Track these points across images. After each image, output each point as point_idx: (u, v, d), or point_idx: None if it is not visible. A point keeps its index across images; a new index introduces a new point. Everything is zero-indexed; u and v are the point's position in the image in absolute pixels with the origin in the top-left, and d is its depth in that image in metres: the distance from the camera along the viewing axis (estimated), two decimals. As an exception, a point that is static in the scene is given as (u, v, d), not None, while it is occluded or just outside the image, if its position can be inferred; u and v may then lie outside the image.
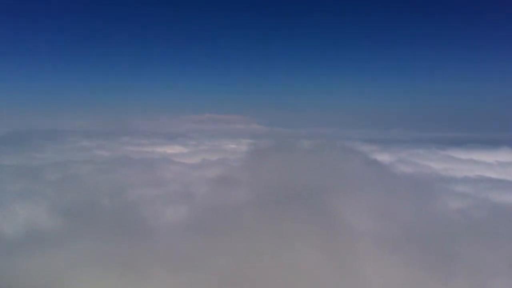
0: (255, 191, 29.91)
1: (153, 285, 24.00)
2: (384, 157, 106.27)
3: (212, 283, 24.00)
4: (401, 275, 23.29)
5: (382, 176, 35.34)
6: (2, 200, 41.56)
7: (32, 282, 24.81)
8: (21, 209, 38.36)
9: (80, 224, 31.30)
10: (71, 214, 33.84)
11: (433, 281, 23.30)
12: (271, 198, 28.06)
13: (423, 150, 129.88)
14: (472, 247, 26.73)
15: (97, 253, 26.60)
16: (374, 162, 41.33)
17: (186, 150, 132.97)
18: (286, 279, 23.07)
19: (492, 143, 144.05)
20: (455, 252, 25.39)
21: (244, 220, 26.69)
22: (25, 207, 39.10)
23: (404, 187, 34.26)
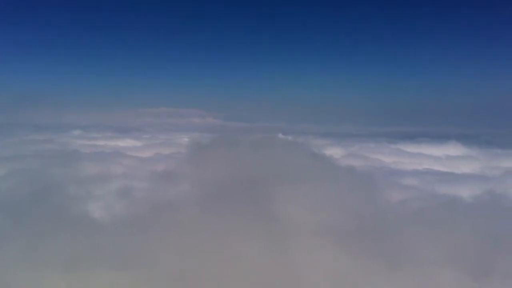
0: (200, 186, 29.78)
1: (95, 283, 23.58)
2: (335, 151, 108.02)
3: (156, 280, 23.80)
4: (342, 267, 23.70)
5: (328, 169, 35.76)
6: None
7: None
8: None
9: (21, 220, 30.40)
10: (12, 210, 32.85)
11: (373, 271, 23.81)
12: (215, 193, 27.98)
13: (374, 144, 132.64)
14: (413, 238, 27.43)
15: (37, 251, 25.93)
16: (321, 156, 41.73)
17: (139, 144, 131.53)
18: (229, 273, 23.09)
19: (441, 137, 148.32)
20: (395, 243, 26.00)
21: (187, 215, 26.53)
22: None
23: (350, 180, 34.80)
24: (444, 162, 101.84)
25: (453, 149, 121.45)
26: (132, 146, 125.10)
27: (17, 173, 60.74)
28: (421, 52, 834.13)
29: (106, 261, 24.67)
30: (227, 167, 30.70)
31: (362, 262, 24.18)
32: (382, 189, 37.61)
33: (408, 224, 29.73)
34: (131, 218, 28.99)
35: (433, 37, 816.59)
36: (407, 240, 27.01)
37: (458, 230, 29.66)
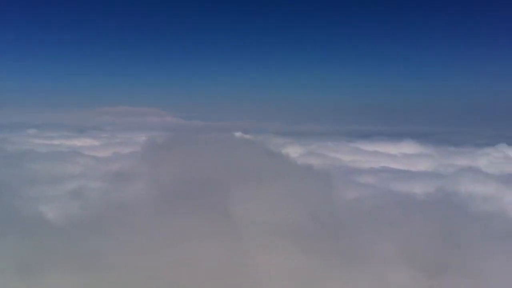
0: (156, 186, 29.45)
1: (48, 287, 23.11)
2: (295, 149, 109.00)
3: (112, 282, 23.49)
4: (298, 266, 23.89)
5: (285, 168, 35.88)
6: None
7: None
8: None
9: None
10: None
11: (328, 270, 24.15)
12: (171, 193, 27.74)
13: (333, 143, 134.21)
14: (368, 236, 27.88)
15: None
16: (278, 155, 41.95)
17: (97, 143, 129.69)
18: (186, 274, 22.99)
19: (397, 136, 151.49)
20: (350, 241, 26.37)
21: (143, 216, 26.26)
22: None
23: (307, 179, 35.02)
24: (400, 160, 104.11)
25: (408, 148, 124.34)
26: (89, 145, 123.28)
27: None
28: (378, 51, 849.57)
29: (60, 264, 24.16)
30: (183, 166, 30.52)
31: (318, 261, 24.43)
32: (339, 188, 38.01)
33: (363, 222, 30.18)
34: (86, 220, 28.46)
35: (390, 36, 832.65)
36: (362, 238, 27.40)
37: (411, 227, 30.21)
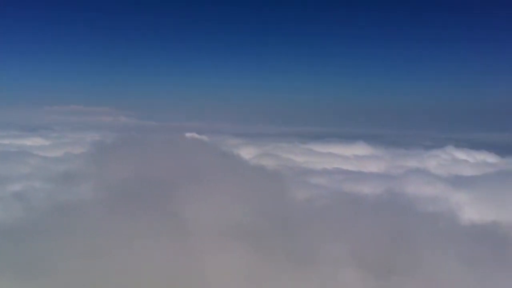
0: (105, 186, 28.87)
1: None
2: (249, 151, 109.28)
3: (58, 286, 22.89)
4: (248, 266, 23.90)
5: (237, 169, 35.92)
6: None
7: None
8: None
9: None
10: None
11: (277, 271, 24.25)
12: (120, 194, 27.23)
13: (286, 144, 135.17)
14: (318, 237, 28.13)
15: None
16: (231, 155, 41.94)
17: (47, 143, 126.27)
18: (135, 275, 22.67)
19: (349, 138, 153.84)
20: (300, 242, 26.56)
21: (91, 217, 25.71)
22: None
23: (259, 179, 35.18)
24: (352, 161, 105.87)
25: (360, 149, 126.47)
26: (39, 145, 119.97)
27: None
28: (331, 53, 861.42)
29: (4, 268, 23.39)
30: (132, 167, 30.06)
31: (267, 261, 24.52)
32: (290, 188, 38.31)
33: (313, 222, 30.39)
34: (30, 222, 27.61)
35: (342, 37, 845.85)
36: (312, 239, 27.62)
37: (361, 227, 30.60)
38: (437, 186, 67.08)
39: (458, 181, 73.29)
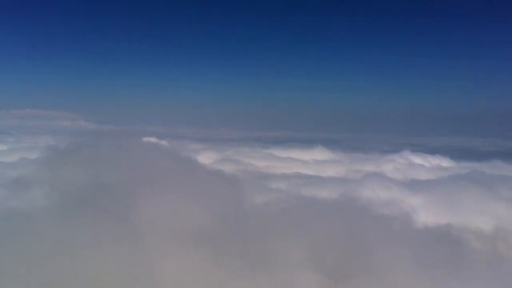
0: (58, 192, 28.10)
1: None
2: (210, 155, 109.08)
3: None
4: (204, 271, 23.75)
5: (195, 174, 35.67)
6: None
7: None
8: None
9: None
10: None
11: (234, 275, 24.23)
12: (73, 199, 26.56)
13: (247, 149, 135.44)
14: (275, 241, 28.19)
15: None
16: (189, 160, 41.70)
17: (4, 148, 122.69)
18: (88, 282, 22.26)
19: (309, 143, 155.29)
20: (257, 246, 26.59)
21: (42, 224, 25.04)
22: None
23: (217, 184, 34.99)
24: (312, 166, 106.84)
25: (320, 154, 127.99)
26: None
27: None
28: (289, 58, 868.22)
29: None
30: (87, 172, 29.45)
31: (224, 265, 24.43)
32: (249, 193, 38.33)
33: (271, 226, 30.45)
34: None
35: (303, 43, 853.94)
36: (269, 243, 27.67)
37: (318, 231, 30.84)
38: (393, 190, 68.28)
39: (413, 185, 74.86)
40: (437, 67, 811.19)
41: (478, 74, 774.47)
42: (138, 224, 25.15)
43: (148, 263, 23.65)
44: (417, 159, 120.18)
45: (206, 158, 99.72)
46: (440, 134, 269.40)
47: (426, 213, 53.00)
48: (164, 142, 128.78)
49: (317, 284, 26.26)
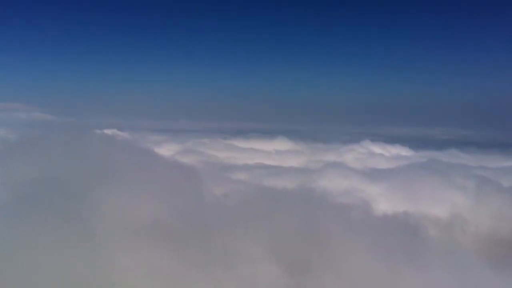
0: (6, 188, 27.02)
1: None
2: (171, 147, 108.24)
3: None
4: (162, 267, 23.32)
5: (155, 166, 34.99)
6: None
7: None
8: None
9: None
10: None
11: (192, 270, 23.86)
12: (21, 196, 25.53)
13: (208, 140, 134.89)
14: (234, 233, 27.89)
15: None
16: (150, 152, 41.04)
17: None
18: (39, 281, 21.57)
19: (270, 133, 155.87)
20: (215, 239, 26.28)
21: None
22: None
23: (177, 176, 34.40)
24: (274, 156, 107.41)
25: (281, 144, 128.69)
26: None
27: None
28: (252, 50, 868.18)
29: None
30: (40, 166, 28.32)
31: (181, 259, 24.06)
32: (210, 184, 37.97)
33: (230, 218, 30.14)
34: None
35: (263, 36, 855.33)
36: (228, 235, 27.34)
37: (277, 222, 30.56)
38: (353, 179, 69.20)
39: (373, 174, 75.98)
40: (394, 57, 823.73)
41: (435, 65, 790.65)
42: (92, 221, 24.32)
43: (103, 261, 22.97)
44: (377, 149, 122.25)
45: (167, 149, 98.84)
46: (399, 124, 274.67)
47: (385, 201, 53.97)
48: (124, 134, 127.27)
49: (276, 276, 26.16)
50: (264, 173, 76.40)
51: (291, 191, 42.92)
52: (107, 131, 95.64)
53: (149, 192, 28.43)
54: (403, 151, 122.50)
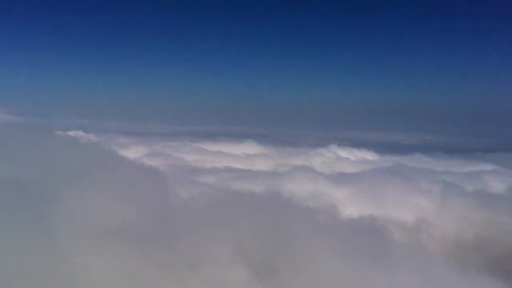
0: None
1: None
2: (139, 149, 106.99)
3: None
4: (123, 270, 22.92)
5: (121, 168, 34.55)
6: None
7: None
8: None
9: None
10: None
11: (156, 273, 23.47)
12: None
13: (177, 143, 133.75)
14: (201, 237, 27.66)
15: None
16: (116, 155, 40.41)
17: None
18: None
19: (239, 137, 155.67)
20: (181, 242, 25.97)
21: None
22: None
23: (143, 179, 34.05)
24: (242, 160, 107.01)
25: (250, 148, 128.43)
26: None
27: None
28: (222, 54, 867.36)
29: None
30: (0, 168, 27.66)
31: (146, 263, 23.74)
32: (177, 187, 37.74)
33: (197, 222, 29.91)
34: None
35: (235, 39, 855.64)
36: (194, 239, 27.12)
37: (244, 226, 30.58)
38: (320, 183, 69.58)
39: (340, 178, 76.62)
40: (362, 63, 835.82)
41: (401, 71, 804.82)
42: (56, 224, 23.76)
43: (67, 263, 22.47)
44: (344, 153, 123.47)
45: (135, 152, 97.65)
46: (365, 129, 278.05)
47: (351, 205, 54.34)
48: (90, 136, 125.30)
49: (243, 279, 26.04)
50: (232, 177, 75.99)
51: (258, 194, 42.90)
52: (71, 133, 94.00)
53: (112, 194, 27.98)
54: (369, 156, 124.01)
